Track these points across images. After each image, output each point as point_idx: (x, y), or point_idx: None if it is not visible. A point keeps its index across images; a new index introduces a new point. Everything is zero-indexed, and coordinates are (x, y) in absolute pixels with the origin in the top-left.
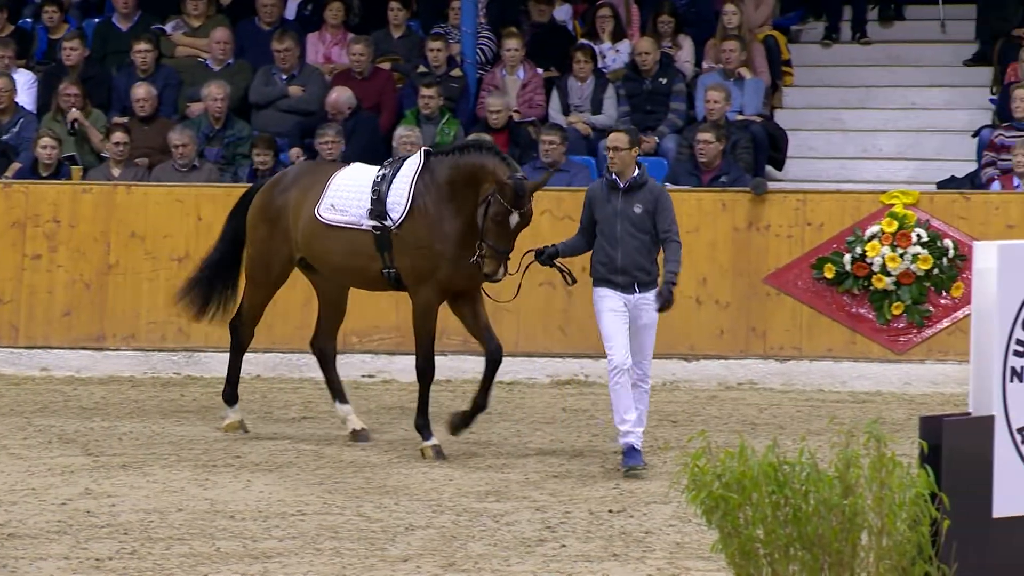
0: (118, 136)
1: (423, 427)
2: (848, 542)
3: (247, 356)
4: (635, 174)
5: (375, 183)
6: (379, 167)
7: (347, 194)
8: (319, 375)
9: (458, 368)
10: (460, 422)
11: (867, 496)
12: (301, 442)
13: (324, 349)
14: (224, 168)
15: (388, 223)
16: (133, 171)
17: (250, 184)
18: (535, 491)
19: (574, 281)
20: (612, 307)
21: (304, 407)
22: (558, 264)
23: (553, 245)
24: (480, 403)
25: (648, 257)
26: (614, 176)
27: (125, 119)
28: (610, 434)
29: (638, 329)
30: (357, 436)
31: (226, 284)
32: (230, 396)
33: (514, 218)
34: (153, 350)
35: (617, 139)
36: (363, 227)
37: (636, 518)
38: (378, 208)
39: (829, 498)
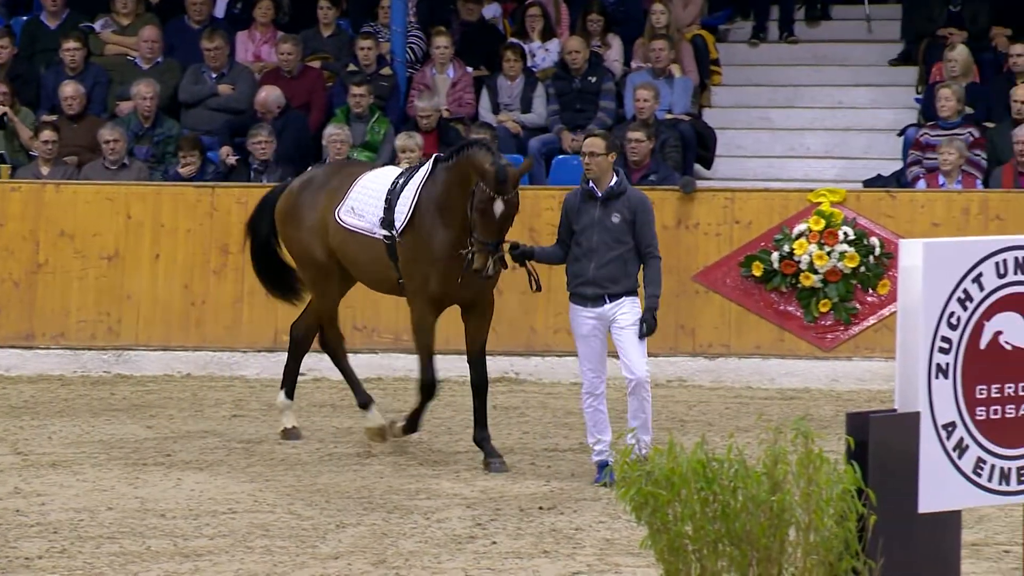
0: (47, 134)
1: (409, 427)
2: (776, 538)
3: (177, 354)
4: (613, 182)
5: (388, 191)
6: (399, 173)
7: (366, 199)
8: (249, 373)
9: (389, 366)
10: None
11: (795, 492)
12: (232, 440)
13: (302, 338)
14: (154, 166)
15: (394, 232)
16: (62, 169)
17: (181, 182)
18: (466, 488)
19: (539, 288)
20: (583, 332)
21: (235, 405)
22: (528, 266)
23: (530, 246)
24: (475, 436)
25: (623, 270)
26: (591, 184)
27: (54, 117)
28: (540, 431)
29: (617, 332)
30: (288, 434)
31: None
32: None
33: (498, 206)
34: (83, 349)
35: (593, 144)
36: (376, 235)
37: (566, 515)
38: (388, 217)
39: (757, 494)
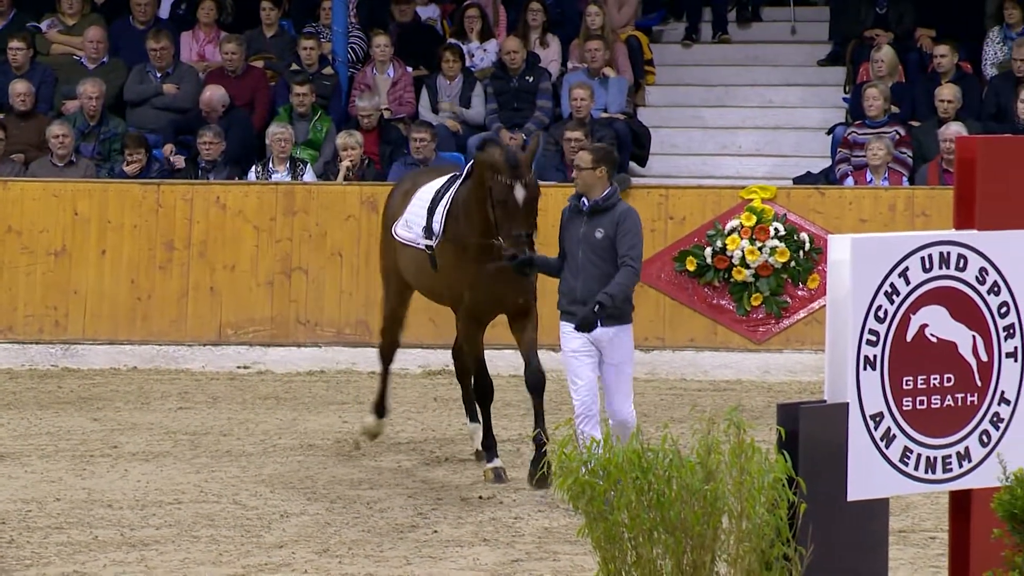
0: None
1: (489, 448)
2: (709, 526)
3: (123, 348)
4: (600, 196)
5: (431, 200)
6: (445, 180)
7: (417, 210)
8: (194, 366)
9: (332, 359)
10: (535, 471)
11: (727, 481)
12: (177, 432)
13: (459, 359)
14: (100, 164)
15: (433, 241)
16: (9, 167)
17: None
18: (407, 479)
19: (535, 299)
20: (574, 348)
21: (180, 397)
22: (527, 276)
23: (530, 256)
24: (537, 439)
25: None
26: (581, 199)
27: (0, 116)
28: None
29: (606, 369)
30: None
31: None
32: (378, 408)
33: (519, 191)
34: (30, 343)
35: (579, 158)
36: (420, 246)
37: (506, 504)
38: (428, 225)
39: (691, 483)
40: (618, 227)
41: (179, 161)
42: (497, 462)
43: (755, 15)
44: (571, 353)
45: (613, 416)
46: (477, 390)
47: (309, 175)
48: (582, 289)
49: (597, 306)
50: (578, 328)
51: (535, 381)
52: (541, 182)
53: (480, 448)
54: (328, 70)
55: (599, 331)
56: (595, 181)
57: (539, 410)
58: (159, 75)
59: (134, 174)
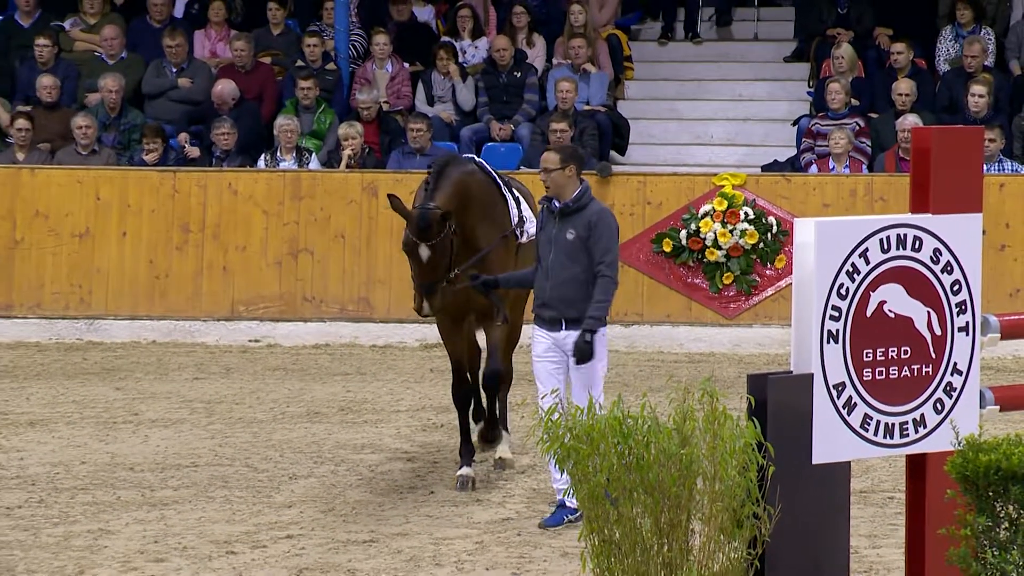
0: (21, 123)
1: (464, 454)
2: (685, 487)
3: (143, 322)
4: (571, 197)
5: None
6: None
7: None
8: (209, 340)
9: (336, 333)
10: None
11: (702, 446)
12: (194, 400)
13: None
14: (121, 152)
15: None
16: (37, 155)
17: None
18: (406, 444)
19: (506, 320)
20: (539, 352)
21: (196, 369)
22: (493, 296)
23: (495, 276)
24: (483, 436)
25: (579, 291)
26: (552, 200)
27: (28, 107)
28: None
29: (574, 370)
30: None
31: None
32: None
33: (423, 251)
34: (57, 318)
35: (545, 159)
36: None
37: (497, 467)
38: None
39: (668, 448)
40: (591, 229)
41: (194, 151)
42: (466, 470)
43: (729, 17)
44: (536, 358)
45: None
46: (458, 397)
47: (314, 163)
48: (550, 292)
49: (588, 335)
50: (579, 363)
51: (487, 378)
52: (528, 169)
53: (499, 457)
54: (331, 66)
55: (563, 334)
56: (565, 181)
57: (490, 408)
58: (174, 70)
59: (152, 162)
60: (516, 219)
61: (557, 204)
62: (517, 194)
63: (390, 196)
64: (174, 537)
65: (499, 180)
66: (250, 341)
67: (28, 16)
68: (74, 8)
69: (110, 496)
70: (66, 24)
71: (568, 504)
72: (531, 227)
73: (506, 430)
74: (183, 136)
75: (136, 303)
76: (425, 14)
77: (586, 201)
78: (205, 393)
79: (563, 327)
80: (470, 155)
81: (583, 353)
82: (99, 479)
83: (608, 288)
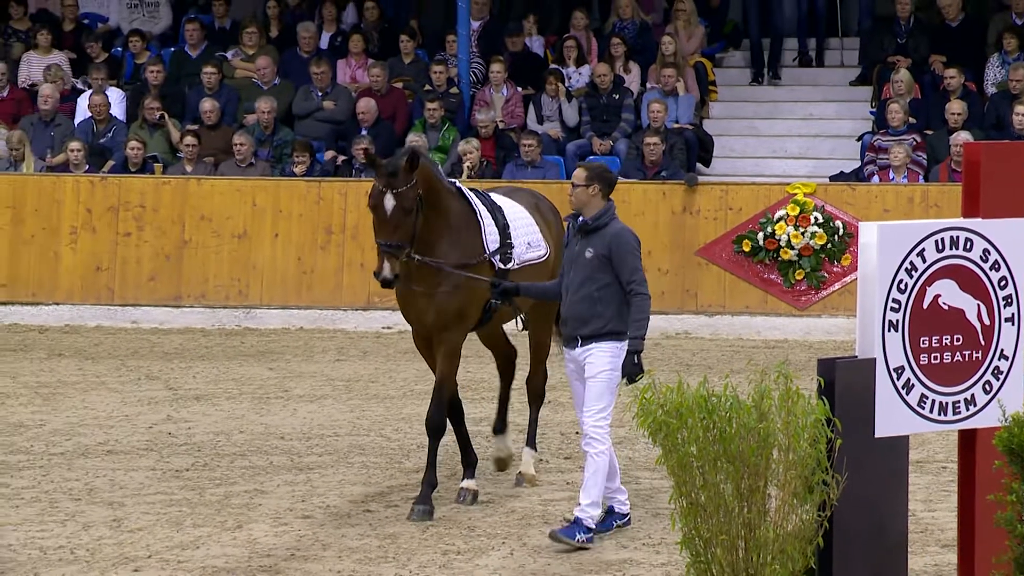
0: (189, 140)
1: (466, 465)
2: (763, 456)
3: (292, 311)
4: (592, 215)
5: None
6: None
7: None
8: (349, 327)
9: None
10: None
11: (777, 421)
12: (335, 379)
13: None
14: (274, 165)
15: None
16: (202, 167)
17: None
18: (519, 417)
19: (525, 327)
20: (567, 374)
21: (338, 352)
22: (515, 303)
23: (515, 284)
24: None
25: (592, 309)
26: (579, 217)
27: (195, 127)
28: None
29: (584, 382)
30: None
31: None
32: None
33: (388, 201)
34: (219, 307)
35: (575, 175)
36: None
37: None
38: None
39: (747, 422)
40: (612, 250)
41: (338, 160)
42: (469, 483)
43: (810, 58)
44: (568, 373)
45: (581, 425)
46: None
47: None
48: (568, 308)
49: (635, 356)
50: (629, 383)
51: (428, 425)
52: (624, 180)
53: (521, 472)
54: (454, 90)
55: (578, 351)
56: (588, 199)
57: (430, 455)
58: (320, 94)
59: (301, 173)
60: (495, 245)
61: (579, 221)
62: (508, 219)
63: (365, 150)
64: (318, 497)
65: (475, 204)
66: (383, 328)
67: (195, 48)
68: (235, 41)
69: (264, 461)
70: (228, 54)
71: (584, 523)
72: (529, 253)
73: (534, 447)
74: (330, 153)
75: (286, 295)
76: (536, 44)
77: (606, 220)
78: (345, 373)
79: (579, 344)
80: (452, 179)
81: (631, 374)
82: (254, 446)
83: (643, 305)
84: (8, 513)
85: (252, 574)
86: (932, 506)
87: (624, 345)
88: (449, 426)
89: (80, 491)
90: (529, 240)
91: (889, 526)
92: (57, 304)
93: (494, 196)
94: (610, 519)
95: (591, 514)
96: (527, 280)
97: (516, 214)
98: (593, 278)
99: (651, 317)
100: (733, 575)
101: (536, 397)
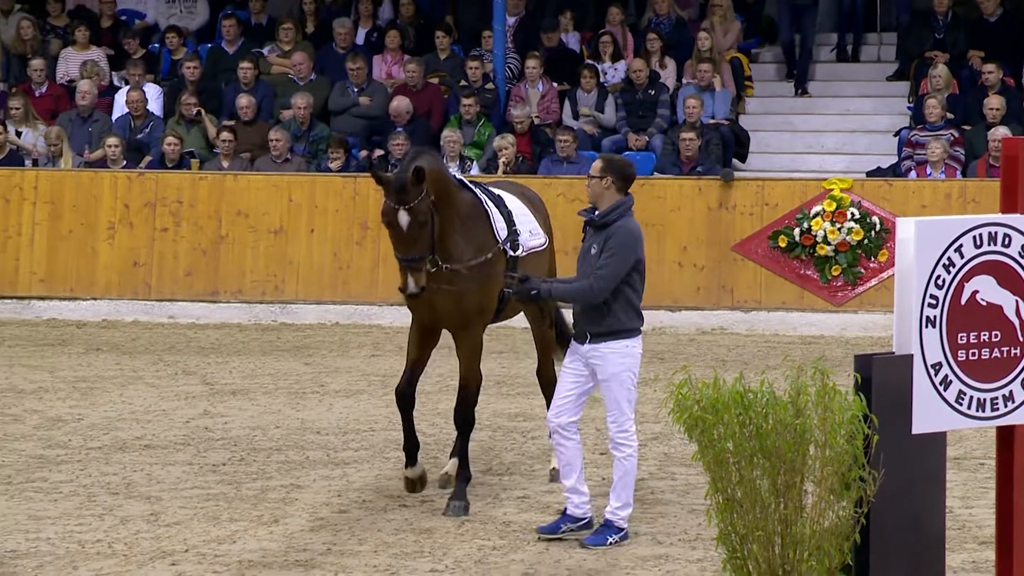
0: (225, 135)
1: (460, 480)
2: (799, 453)
3: (328, 307)
4: (604, 210)
5: None
6: None
7: None
8: (384, 322)
9: None
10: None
11: (814, 417)
12: (371, 374)
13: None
14: (310, 161)
15: None
16: (239, 163)
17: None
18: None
19: (551, 326)
20: (567, 363)
21: (373, 347)
22: (541, 303)
23: (542, 281)
24: (450, 479)
25: (600, 306)
26: (594, 211)
27: (232, 122)
28: None
29: (599, 385)
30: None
31: None
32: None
33: (402, 217)
34: (255, 303)
35: (592, 166)
36: None
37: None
38: None
39: (784, 418)
40: (606, 242)
41: (374, 156)
42: (410, 471)
43: (847, 54)
44: (563, 369)
45: (609, 427)
46: (401, 397)
47: (475, 170)
48: (575, 304)
49: (534, 291)
50: (513, 293)
51: (457, 421)
52: (660, 175)
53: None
54: (490, 85)
55: (586, 348)
56: (601, 191)
57: (462, 449)
58: (356, 90)
59: (336, 169)
60: (504, 233)
61: (589, 216)
62: (510, 208)
63: (371, 168)
64: (354, 492)
65: (480, 195)
66: None
67: (232, 44)
68: (271, 37)
69: (300, 456)
70: (264, 50)
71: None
72: (532, 240)
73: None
74: (363, 152)
75: (322, 290)
76: (571, 40)
77: (614, 218)
78: (380, 368)
79: (587, 340)
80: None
81: (521, 292)
82: (291, 441)
83: (585, 290)
84: (46, 507)
85: (288, 568)
86: (970, 503)
87: (633, 343)
88: (477, 422)
89: (118, 485)
90: (530, 228)
91: (926, 523)
92: (95, 299)
93: (490, 188)
94: (559, 521)
95: (622, 515)
96: (532, 269)
97: (514, 203)
98: (592, 274)
99: (687, 312)
100: (769, 571)
101: (549, 386)
